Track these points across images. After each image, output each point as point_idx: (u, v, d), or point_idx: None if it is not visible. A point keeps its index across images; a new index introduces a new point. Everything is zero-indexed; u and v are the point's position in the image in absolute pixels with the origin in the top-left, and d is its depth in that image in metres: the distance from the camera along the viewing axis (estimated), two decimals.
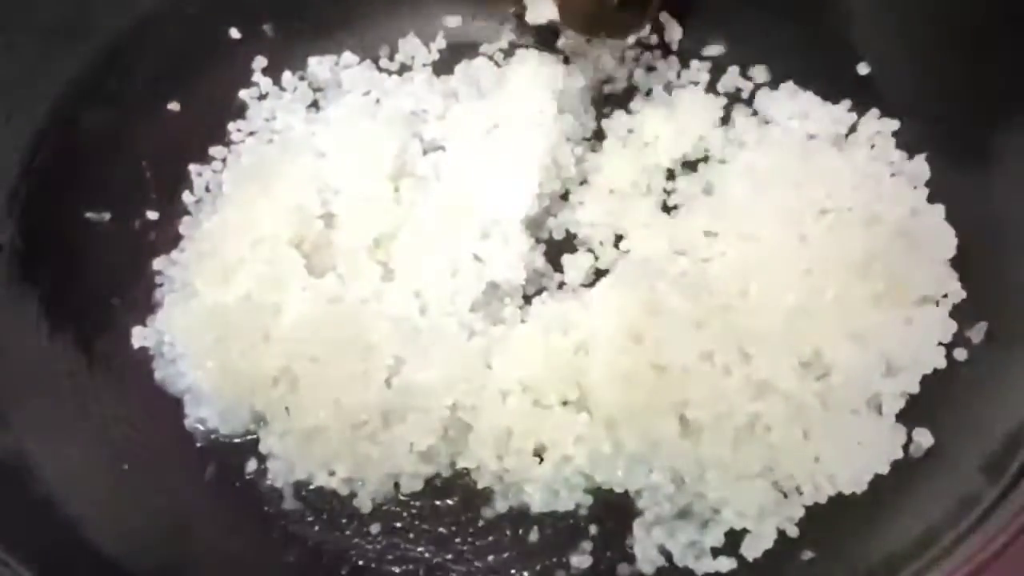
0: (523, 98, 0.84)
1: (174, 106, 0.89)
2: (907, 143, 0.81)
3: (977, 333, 0.72)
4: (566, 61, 0.89)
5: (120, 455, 0.75)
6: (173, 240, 0.84)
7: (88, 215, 0.82)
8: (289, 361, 0.75)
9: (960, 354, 0.72)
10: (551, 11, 0.84)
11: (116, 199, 0.84)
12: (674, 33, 0.91)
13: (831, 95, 0.85)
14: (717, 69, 0.89)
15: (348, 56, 0.93)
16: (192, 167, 0.87)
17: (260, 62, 0.92)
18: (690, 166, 0.86)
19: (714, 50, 0.90)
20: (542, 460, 0.72)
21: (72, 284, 0.79)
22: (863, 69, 0.85)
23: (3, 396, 0.71)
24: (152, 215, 0.85)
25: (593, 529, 0.73)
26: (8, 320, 0.76)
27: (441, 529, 0.73)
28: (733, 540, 0.70)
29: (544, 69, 0.86)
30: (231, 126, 0.90)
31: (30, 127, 0.79)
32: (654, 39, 0.90)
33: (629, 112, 0.89)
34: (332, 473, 0.74)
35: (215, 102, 0.90)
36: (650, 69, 0.91)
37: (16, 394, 0.72)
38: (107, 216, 0.83)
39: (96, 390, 0.77)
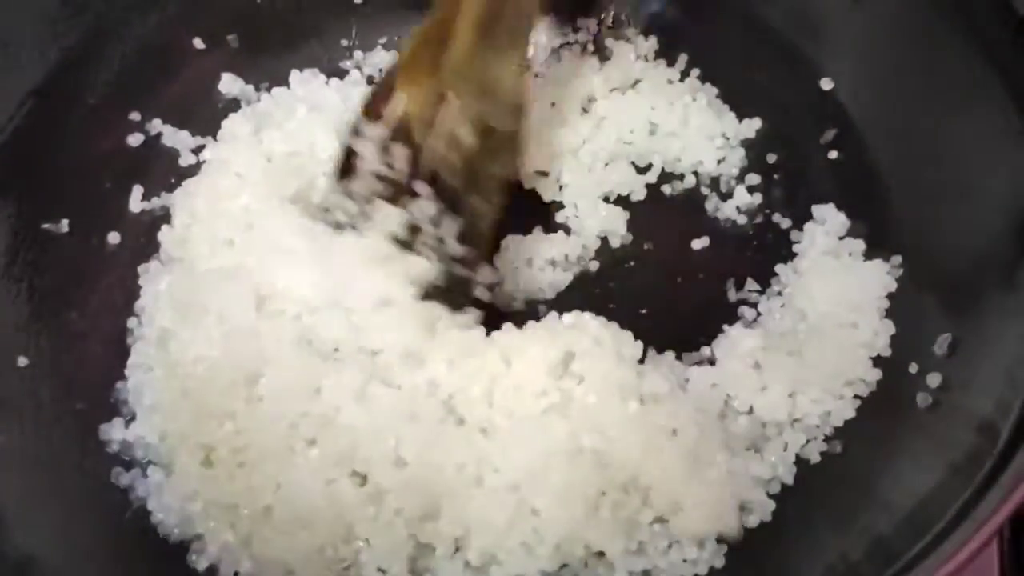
0: None
1: (135, 116, 0.87)
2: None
3: None
4: None
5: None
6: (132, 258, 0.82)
7: (45, 226, 0.80)
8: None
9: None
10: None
11: (75, 210, 0.81)
12: None
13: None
14: None
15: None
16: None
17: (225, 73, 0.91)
18: None
19: None
20: None
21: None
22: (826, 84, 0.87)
23: None
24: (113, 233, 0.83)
25: None
26: None
27: None
28: None
29: None
30: (192, 140, 0.88)
31: None
32: None
33: None
34: None
35: (177, 113, 0.88)
36: None
37: None
38: (65, 227, 0.81)
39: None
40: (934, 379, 0.70)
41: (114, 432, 0.74)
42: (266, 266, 0.75)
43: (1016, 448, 0.60)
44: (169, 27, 0.87)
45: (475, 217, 0.76)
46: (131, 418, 0.75)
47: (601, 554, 0.69)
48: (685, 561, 0.69)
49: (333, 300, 0.73)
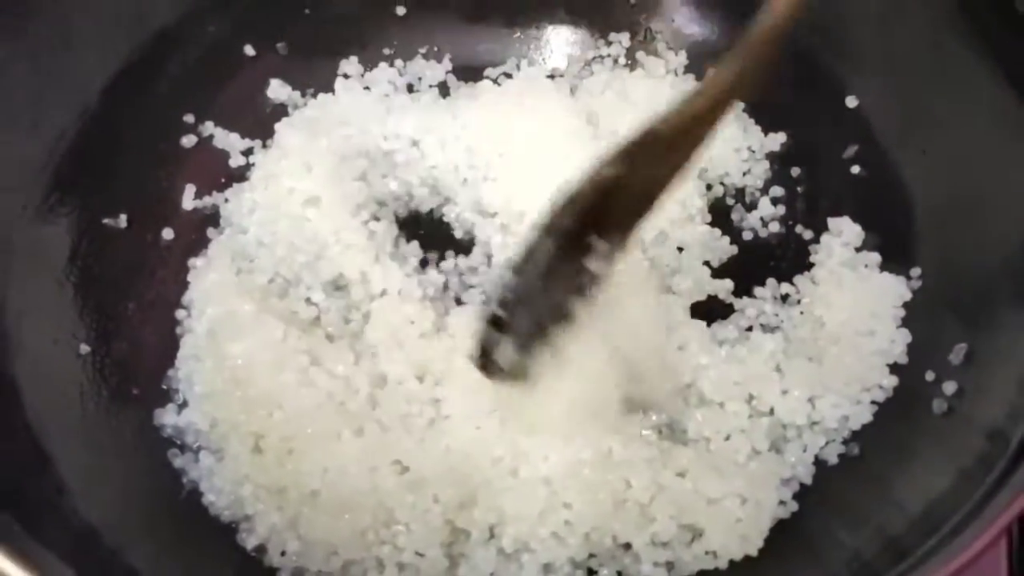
0: None
1: (189, 118, 0.91)
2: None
3: None
4: None
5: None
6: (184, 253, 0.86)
7: (105, 221, 0.84)
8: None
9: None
10: None
11: (134, 207, 0.85)
12: None
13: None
14: None
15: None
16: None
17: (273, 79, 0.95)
18: None
19: None
20: None
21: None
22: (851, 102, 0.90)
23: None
24: (167, 229, 0.87)
25: None
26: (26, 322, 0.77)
27: None
28: None
29: None
30: (241, 143, 0.92)
31: (55, 135, 0.81)
32: None
33: None
34: None
35: (228, 116, 0.93)
36: None
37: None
38: (123, 222, 0.85)
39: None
40: (949, 387, 0.74)
41: (167, 418, 0.78)
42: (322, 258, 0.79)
43: None
44: (224, 35, 0.92)
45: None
46: (183, 404, 0.79)
47: (628, 546, 0.72)
48: (707, 554, 0.72)
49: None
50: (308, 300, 0.83)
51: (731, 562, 0.72)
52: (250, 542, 0.73)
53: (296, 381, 0.75)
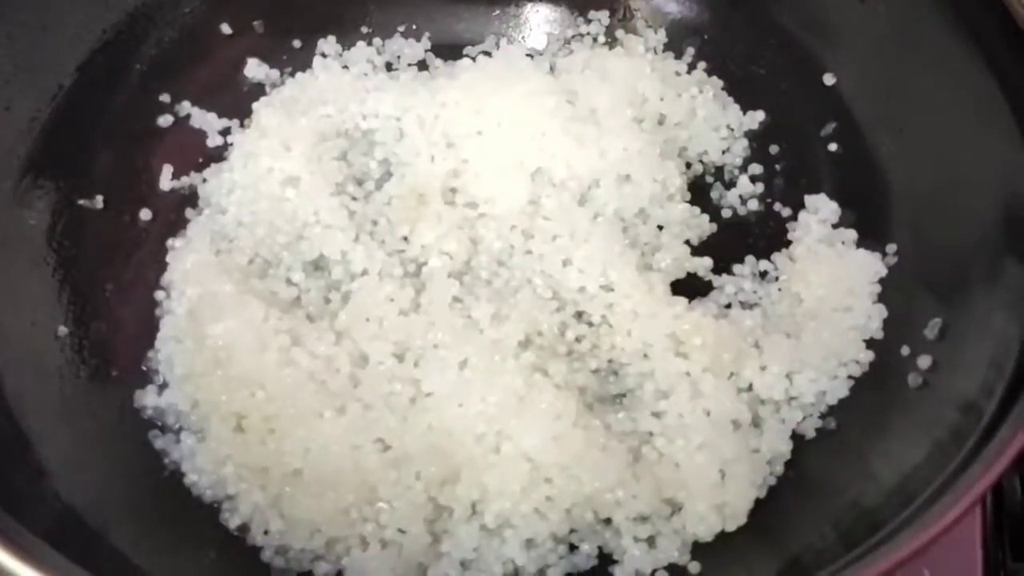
0: None
1: (165, 98, 0.90)
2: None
3: None
4: None
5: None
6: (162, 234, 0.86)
7: (81, 202, 0.83)
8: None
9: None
10: None
11: (110, 188, 0.85)
12: None
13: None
14: None
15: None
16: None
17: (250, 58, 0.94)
18: None
19: None
20: None
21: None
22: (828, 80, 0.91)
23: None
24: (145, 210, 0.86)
25: None
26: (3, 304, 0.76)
27: None
28: None
29: None
30: (219, 122, 0.91)
31: (29, 116, 0.80)
32: None
33: None
34: None
35: (205, 96, 0.92)
36: None
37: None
38: (100, 203, 0.84)
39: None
40: (924, 361, 0.75)
41: (147, 399, 0.78)
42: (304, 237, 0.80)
43: (997, 428, 0.64)
44: (200, 13, 0.91)
45: None
46: (163, 385, 0.79)
47: (608, 520, 0.73)
48: (687, 528, 0.73)
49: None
50: (288, 280, 0.83)
51: (712, 535, 0.73)
52: (233, 521, 0.73)
53: (277, 361, 0.75)
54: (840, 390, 0.78)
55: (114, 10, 0.86)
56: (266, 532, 0.73)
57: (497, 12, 1.00)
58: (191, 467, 0.75)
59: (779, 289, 0.85)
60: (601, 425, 0.73)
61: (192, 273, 0.82)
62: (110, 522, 0.69)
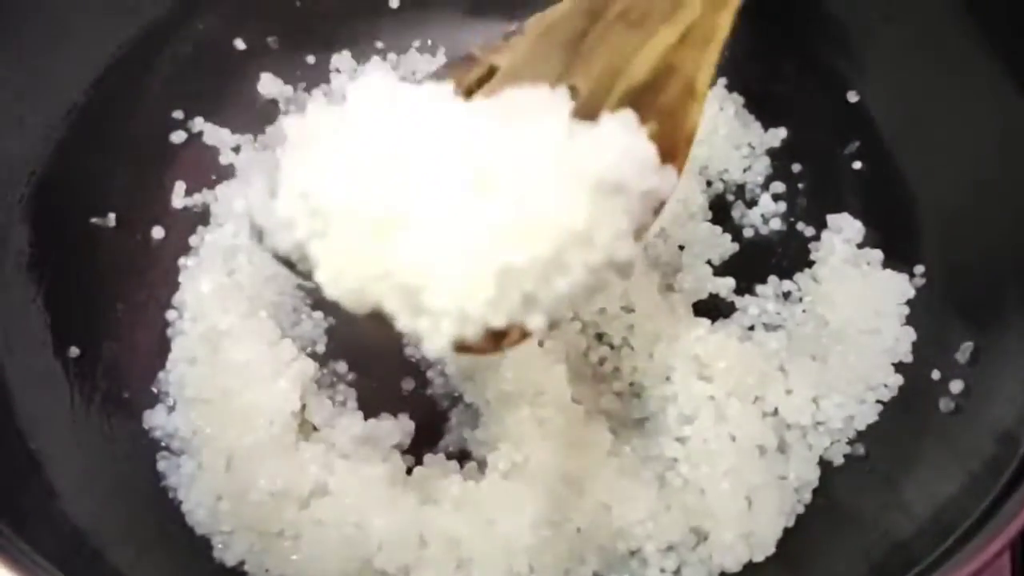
0: None
1: (178, 114, 0.89)
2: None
3: None
4: None
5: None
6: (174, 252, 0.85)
7: (93, 220, 0.82)
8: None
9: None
10: None
11: (123, 206, 0.84)
12: None
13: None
14: None
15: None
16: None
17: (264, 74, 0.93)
18: None
19: None
20: None
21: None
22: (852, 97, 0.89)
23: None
24: (157, 228, 0.85)
25: None
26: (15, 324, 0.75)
27: None
28: None
29: None
30: (231, 138, 0.90)
31: (42, 132, 0.79)
32: None
33: None
34: None
35: (217, 112, 0.91)
36: None
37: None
38: (112, 221, 0.83)
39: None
40: (956, 386, 0.73)
41: (156, 419, 0.77)
42: None
43: None
44: (214, 29, 0.90)
45: None
46: (172, 407, 0.78)
47: (634, 552, 0.71)
48: (712, 558, 0.71)
49: None
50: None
51: (740, 565, 0.71)
52: (228, 559, 0.72)
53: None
54: (869, 415, 0.76)
55: (129, 26, 0.84)
56: (267, 571, 0.71)
57: (513, 27, 0.98)
58: (186, 495, 0.73)
59: (804, 311, 0.83)
60: (631, 452, 0.71)
61: (204, 295, 0.81)
62: (111, 542, 0.68)
